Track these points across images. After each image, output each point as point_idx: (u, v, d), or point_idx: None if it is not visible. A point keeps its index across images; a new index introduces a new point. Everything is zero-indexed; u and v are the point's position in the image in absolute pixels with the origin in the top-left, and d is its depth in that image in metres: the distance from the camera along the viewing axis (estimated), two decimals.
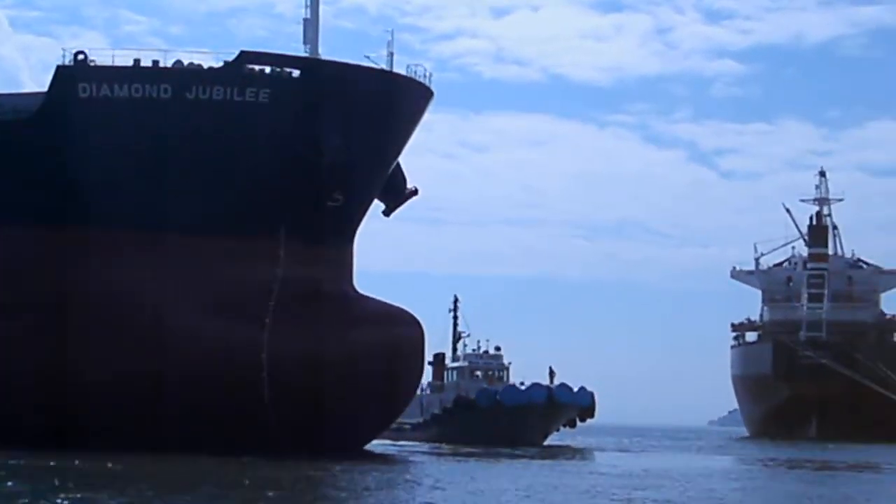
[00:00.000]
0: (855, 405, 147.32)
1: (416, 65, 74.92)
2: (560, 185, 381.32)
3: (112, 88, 69.11)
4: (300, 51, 73.21)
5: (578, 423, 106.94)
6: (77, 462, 55.65)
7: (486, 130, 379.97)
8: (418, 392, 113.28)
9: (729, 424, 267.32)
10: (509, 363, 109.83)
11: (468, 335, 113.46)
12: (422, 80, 74.81)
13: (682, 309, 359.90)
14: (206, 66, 71.14)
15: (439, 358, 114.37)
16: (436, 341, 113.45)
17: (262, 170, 70.85)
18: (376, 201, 79.03)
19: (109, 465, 55.17)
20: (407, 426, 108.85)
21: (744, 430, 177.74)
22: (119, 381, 68.64)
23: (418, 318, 77.11)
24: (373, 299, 77.01)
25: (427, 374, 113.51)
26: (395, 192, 79.49)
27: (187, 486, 47.08)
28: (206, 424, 68.73)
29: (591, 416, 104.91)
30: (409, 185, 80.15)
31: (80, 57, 69.76)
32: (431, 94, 75.92)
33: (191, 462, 58.79)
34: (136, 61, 70.12)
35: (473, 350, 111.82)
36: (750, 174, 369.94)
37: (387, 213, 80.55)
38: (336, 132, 71.45)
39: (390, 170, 77.26)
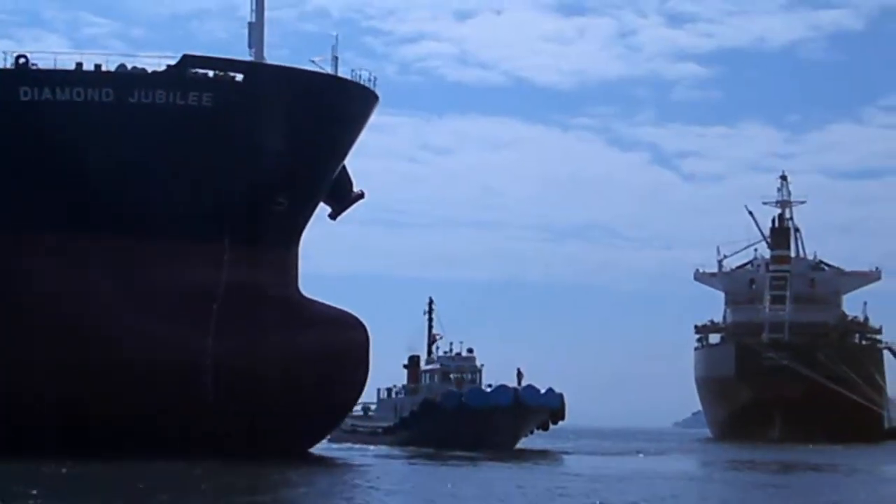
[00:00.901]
0: (818, 407, 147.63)
1: (361, 69, 75.40)
2: (523, 188, 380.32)
3: (54, 92, 69.03)
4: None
5: (550, 426, 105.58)
6: (28, 467, 55.42)
7: (448, 133, 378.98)
8: (393, 395, 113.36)
9: (692, 426, 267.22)
10: (482, 365, 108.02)
11: (441, 337, 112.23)
12: (366, 83, 75.02)
13: (646, 311, 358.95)
14: (150, 69, 71.21)
15: (414, 360, 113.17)
16: (409, 344, 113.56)
17: (205, 174, 70.95)
18: (322, 205, 79.16)
19: (64, 469, 55.17)
20: (379, 430, 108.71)
21: (707, 432, 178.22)
22: (62, 386, 68.60)
23: (363, 321, 77.22)
24: (318, 303, 77.14)
25: (403, 377, 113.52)
26: (341, 196, 79.72)
27: (145, 492, 46.68)
28: (149, 428, 68.91)
29: (562, 418, 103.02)
30: (357, 189, 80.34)
31: (22, 60, 69.65)
32: (376, 97, 76.12)
33: (142, 467, 58.61)
34: (79, 65, 70.11)
35: (445, 352, 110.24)
36: (712, 176, 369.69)
37: (333, 216, 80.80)
38: (280, 136, 71.67)
39: (335, 173, 77.40)
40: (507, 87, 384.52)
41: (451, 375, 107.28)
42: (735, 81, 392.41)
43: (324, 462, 73.38)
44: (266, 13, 74.61)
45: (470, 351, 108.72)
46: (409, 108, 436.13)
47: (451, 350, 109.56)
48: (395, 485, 55.77)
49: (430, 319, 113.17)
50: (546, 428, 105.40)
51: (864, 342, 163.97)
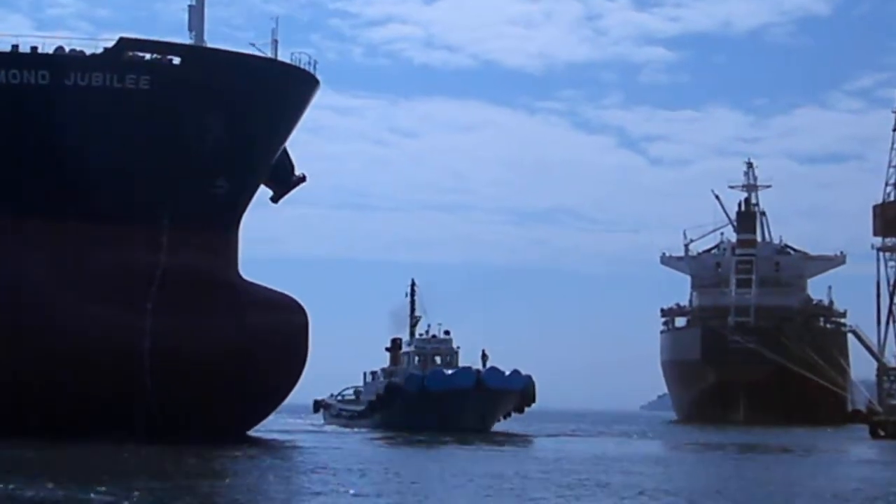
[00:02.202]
0: (782, 389, 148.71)
1: (301, 52, 75.40)
2: (490, 171, 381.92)
3: None
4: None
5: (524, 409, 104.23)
6: None
7: (415, 116, 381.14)
8: (374, 377, 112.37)
9: (658, 409, 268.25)
10: (458, 347, 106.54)
11: (420, 318, 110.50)
12: (306, 67, 75.04)
13: (613, 294, 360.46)
14: (88, 52, 71.16)
15: (396, 343, 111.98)
16: (395, 326, 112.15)
17: (142, 156, 70.92)
18: (264, 188, 79.25)
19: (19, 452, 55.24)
20: (355, 413, 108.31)
21: (673, 415, 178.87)
22: None
23: (303, 304, 77.33)
24: (258, 286, 77.22)
25: (385, 360, 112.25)
26: (283, 179, 79.85)
27: (87, 475, 46.26)
28: (86, 410, 68.91)
29: (532, 401, 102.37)
30: (298, 172, 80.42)
31: None
32: (316, 81, 76.18)
33: (80, 450, 58.58)
34: (15, 47, 70.04)
35: (420, 335, 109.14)
36: (679, 160, 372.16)
37: (275, 199, 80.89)
38: (217, 119, 71.75)
39: (275, 156, 77.44)
40: (473, 70, 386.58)
41: (436, 357, 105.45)
42: (702, 65, 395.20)
43: (260, 444, 73.26)
44: None
45: (447, 333, 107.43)
46: (376, 90, 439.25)
47: (426, 332, 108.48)
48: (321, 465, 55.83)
49: (413, 302, 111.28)
50: (521, 411, 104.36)
51: (828, 326, 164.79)
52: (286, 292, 77.65)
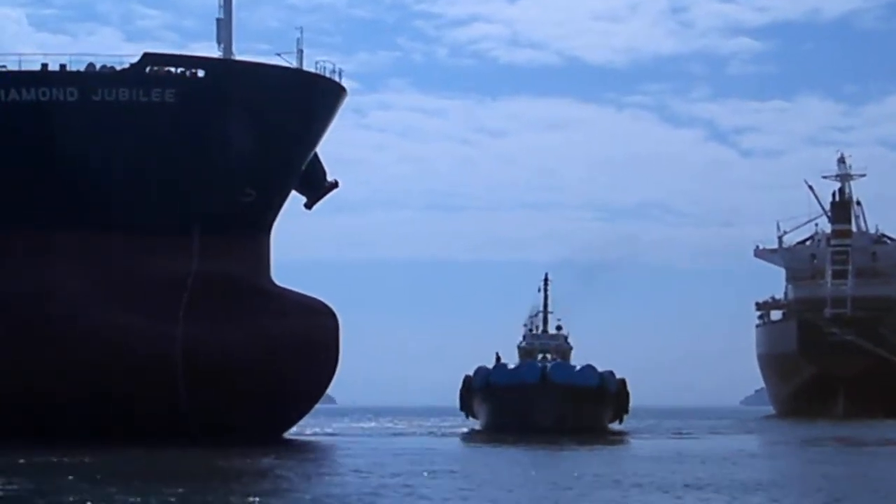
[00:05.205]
0: (881, 382, 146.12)
1: (325, 61, 76.53)
2: (579, 168, 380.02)
3: (20, 93, 71.38)
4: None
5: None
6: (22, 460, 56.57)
7: (502, 115, 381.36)
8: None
9: (755, 404, 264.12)
10: (569, 345, 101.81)
11: (539, 313, 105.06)
12: (331, 76, 76.23)
13: (706, 289, 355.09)
14: (119, 68, 73.23)
15: None
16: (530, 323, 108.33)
17: (170, 167, 72.79)
18: (296, 194, 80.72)
19: (65, 459, 56.50)
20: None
21: (770, 409, 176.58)
22: (33, 376, 71.00)
23: (334, 308, 78.51)
24: (290, 291, 78.60)
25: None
26: (315, 185, 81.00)
27: (152, 480, 47.10)
28: (121, 416, 70.98)
29: (627, 399, 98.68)
30: (330, 178, 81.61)
31: None
32: (343, 89, 77.29)
33: (125, 456, 60.03)
34: (44, 66, 72.31)
35: (530, 330, 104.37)
36: (770, 152, 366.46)
37: (308, 205, 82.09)
38: (244, 129, 73.17)
39: (304, 164, 78.73)
40: (559, 67, 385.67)
41: (542, 355, 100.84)
42: (790, 54, 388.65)
43: (290, 447, 74.50)
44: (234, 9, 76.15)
45: (558, 328, 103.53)
46: (462, 90, 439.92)
47: (538, 328, 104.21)
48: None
49: (546, 297, 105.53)
50: (626, 410, 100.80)
51: None
52: (317, 296, 79.01)
